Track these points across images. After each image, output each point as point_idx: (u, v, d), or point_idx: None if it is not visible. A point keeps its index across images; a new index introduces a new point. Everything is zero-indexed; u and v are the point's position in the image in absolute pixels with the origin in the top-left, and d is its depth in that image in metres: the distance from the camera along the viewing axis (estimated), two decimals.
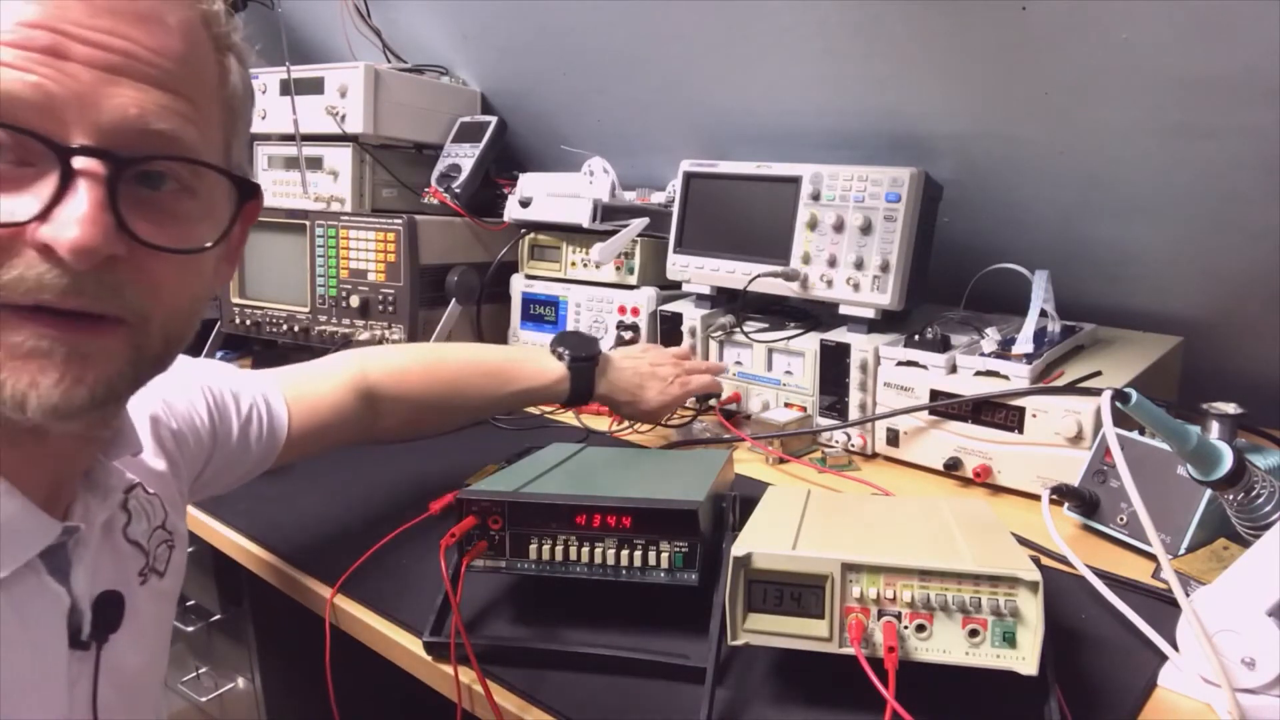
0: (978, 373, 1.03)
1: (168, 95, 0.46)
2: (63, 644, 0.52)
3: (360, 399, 0.89)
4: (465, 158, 1.55)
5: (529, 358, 1.06)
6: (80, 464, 0.55)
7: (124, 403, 0.54)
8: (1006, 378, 1.01)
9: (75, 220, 0.42)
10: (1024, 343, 1.03)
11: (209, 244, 0.50)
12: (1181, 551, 0.79)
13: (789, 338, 1.20)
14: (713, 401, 1.24)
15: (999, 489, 1.01)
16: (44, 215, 0.43)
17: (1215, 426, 0.81)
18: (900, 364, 1.08)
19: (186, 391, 0.73)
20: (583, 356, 1.06)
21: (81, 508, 0.54)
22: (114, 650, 0.56)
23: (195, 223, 0.50)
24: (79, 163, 0.43)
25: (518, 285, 1.50)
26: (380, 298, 1.40)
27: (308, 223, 1.45)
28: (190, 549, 1.06)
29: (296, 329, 1.46)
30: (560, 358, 1.05)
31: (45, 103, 0.42)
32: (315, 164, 1.51)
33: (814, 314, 1.26)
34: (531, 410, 1.30)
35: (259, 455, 0.81)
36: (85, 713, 0.54)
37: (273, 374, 0.86)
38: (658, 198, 1.41)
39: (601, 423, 1.24)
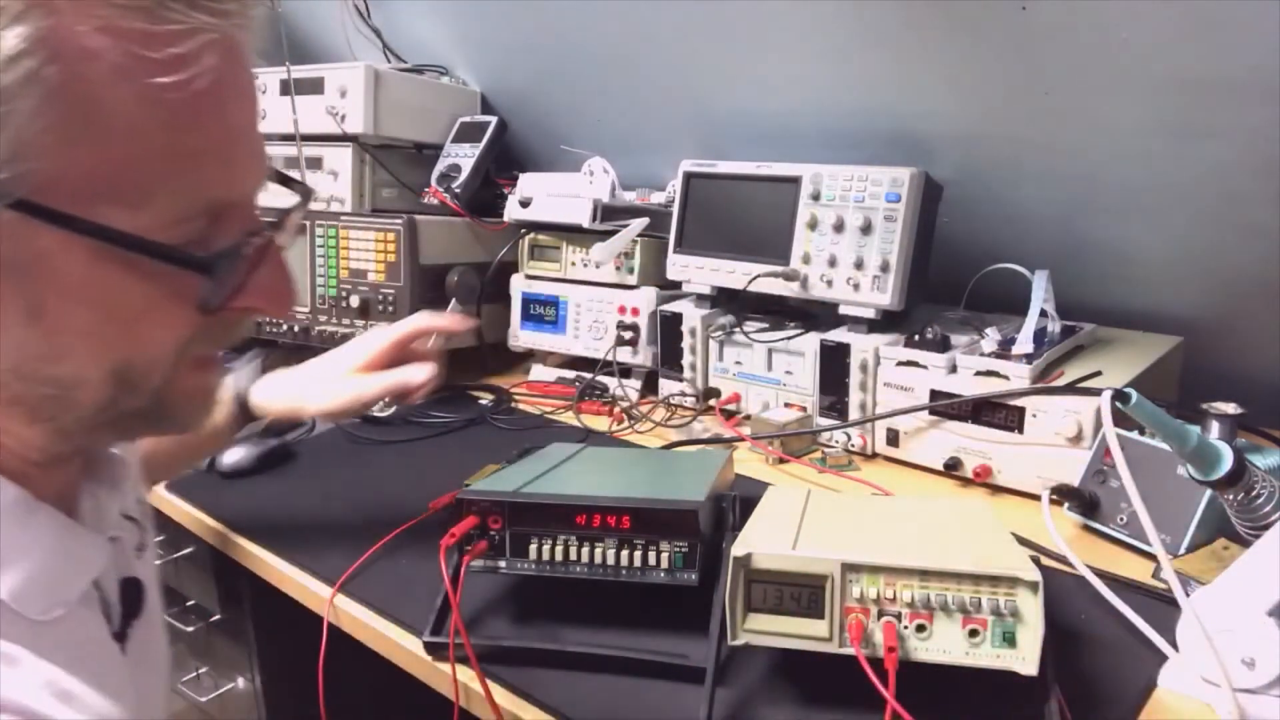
0: (978, 373, 1.03)
1: None
2: (107, 636, 0.52)
3: None
4: (465, 158, 1.54)
5: None
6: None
7: None
8: (1006, 378, 1.01)
9: None
10: (1024, 343, 1.03)
11: None
12: (1181, 551, 0.79)
13: (789, 338, 1.20)
14: (712, 402, 1.24)
15: (999, 489, 1.01)
16: None
17: (1215, 426, 0.81)
18: (900, 364, 1.08)
19: None
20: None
21: (90, 500, 0.53)
22: (136, 634, 0.56)
23: None
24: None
25: (518, 285, 1.50)
26: (380, 298, 1.40)
27: (307, 223, 1.44)
28: (189, 549, 1.08)
29: (296, 329, 1.46)
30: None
31: None
32: (315, 164, 1.51)
33: (814, 314, 1.26)
34: (531, 410, 1.30)
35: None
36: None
37: None
38: (658, 198, 1.41)
39: (601, 423, 1.24)
